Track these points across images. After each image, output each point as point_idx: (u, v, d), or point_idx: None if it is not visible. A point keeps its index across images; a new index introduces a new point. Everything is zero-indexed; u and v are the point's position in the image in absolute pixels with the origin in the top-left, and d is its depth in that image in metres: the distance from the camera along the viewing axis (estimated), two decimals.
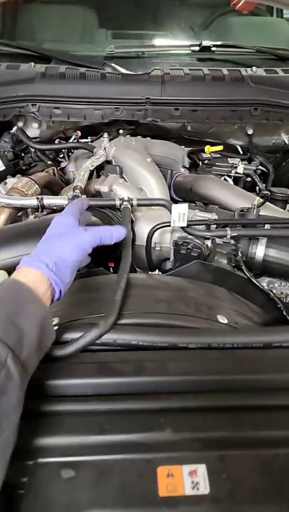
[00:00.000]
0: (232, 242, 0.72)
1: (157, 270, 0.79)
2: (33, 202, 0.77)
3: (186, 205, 0.67)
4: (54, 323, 0.57)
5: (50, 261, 0.52)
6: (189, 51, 1.30)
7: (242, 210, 0.81)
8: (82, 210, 0.64)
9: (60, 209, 0.74)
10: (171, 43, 1.48)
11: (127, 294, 0.59)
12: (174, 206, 0.67)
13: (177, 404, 0.46)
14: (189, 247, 0.75)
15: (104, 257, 0.86)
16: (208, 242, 0.75)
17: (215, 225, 0.74)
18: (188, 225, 0.70)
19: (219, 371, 0.50)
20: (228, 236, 0.70)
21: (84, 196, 0.77)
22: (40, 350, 0.45)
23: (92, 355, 0.51)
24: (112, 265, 0.87)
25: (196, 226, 0.73)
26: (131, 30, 1.59)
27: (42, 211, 0.77)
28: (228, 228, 0.70)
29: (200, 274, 0.69)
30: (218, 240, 0.73)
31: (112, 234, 0.59)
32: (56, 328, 0.53)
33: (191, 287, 0.66)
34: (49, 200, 0.77)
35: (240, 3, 1.66)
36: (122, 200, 0.76)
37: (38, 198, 0.76)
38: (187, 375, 0.49)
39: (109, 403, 0.46)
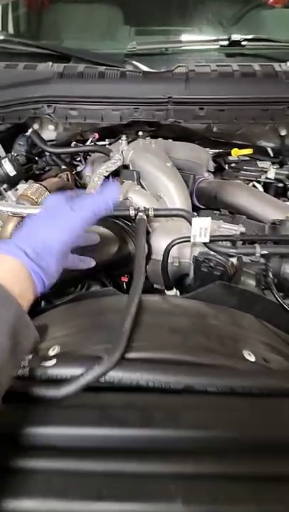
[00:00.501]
0: (262, 260, 0.62)
1: (174, 289, 0.70)
2: None
3: (208, 219, 0.59)
4: (54, 352, 0.50)
5: (29, 247, 0.45)
6: (217, 46, 1.20)
7: (274, 223, 0.71)
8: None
9: None
10: (198, 38, 1.39)
11: (138, 321, 0.51)
12: (195, 220, 0.59)
13: (191, 469, 0.38)
14: (212, 264, 0.66)
15: (116, 271, 0.78)
16: (234, 259, 0.66)
17: (238, 240, 0.65)
18: (210, 241, 0.61)
19: (245, 425, 0.41)
20: (258, 254, 0.61)
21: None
22: (16, 356, 0.39)
23: (92, 397, 0.44)
24: (126, 280, 0.79)
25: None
26: (155, 26, 1.51)
27: None
28: (257, 245, 0.61)
29: (223, 297, 0.60)
30: (245, 258, 0.64)
31: (106, 200, 0.51)
32: (53, 362, 0.46)
33: (213, 313, 0.57)
34: None
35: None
36: (137, 210, 0.68)
37: None
38: (205, 430, 0.40)
39: (110, 462, 0.38)
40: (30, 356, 0.48)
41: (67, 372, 0.45)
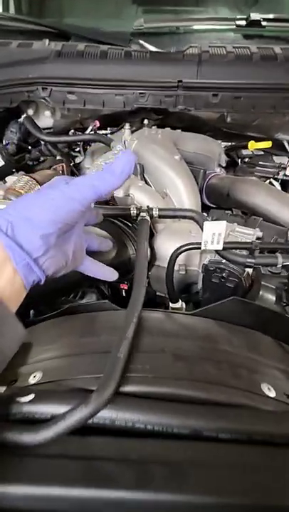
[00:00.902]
0: (284, 273, 0.54)
1: (180, 301, 0.62)
2: None
3: (223, 224, 0.49)
4: (35, 380, 0.42)
5: (5, 221, 0.38)
6: (234, 26, 1.09)
7: None
8: None
9: None
10: (212, 16, 1.28)
11: (136, 345, 0.43)
12: (208, 224, 0.50)
13: None
14: (224, 275, 0.57)
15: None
16: (250, 270, 0.57)
17: (257, 249, 0.56)
18: (224, 248, 0.52)
19: (265, 487, 0.33)
20: (279, 265, 0.51)
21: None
22: None
23: (76, 443, 0.35)
24: (126, 287, 0.71)
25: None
26: (165, 6, 1.39)
27: None
28: (279, 254, 0.52)
29: (237, 314, 0.51)
30: (263, 269, 0.55)
31: (113, 170, 0.42)
32: (31, 397, 0.37)
33: (225, 336, 0.48)
34: None
35: None
36: (140, 209, 0.59)
37: None
38: (217, 496, 0.32)
39: None
40: (4, 388, 0.40)
41: (47, 410, 0.37)
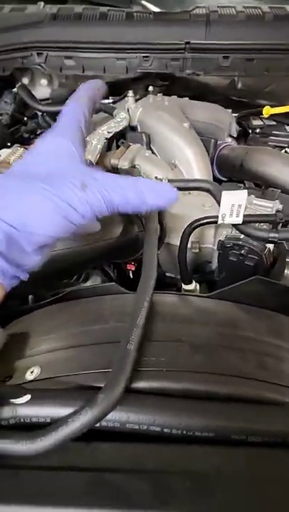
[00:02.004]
0: None
1: (194, 282, 0.56)
2: None
3: (244, 193, 0.43)
4: (32, 376, 0.37)
5: None
6: None
7: None
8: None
9: None
10: None
11: (148, 334, 0.37)
12: (226, 194, 0.43)
13: None
14: (243, 252, 0.51)
15: (121, 258, 0.64)
16: (271, 246, 0.51)
17: (282, 221, 0.50)
18: (244, 222, 0.46)
19: None
20: None
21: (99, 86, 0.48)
22: None
23: (80, 450, 0.30)
24: (133, 268, 0.65)
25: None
26: None
27: None
28: None
29: (260, 296, 0.46)
30: (287, 245, 0.49)
31: (145, 199, 0.34)
32: (27, 398, 0.32)
33: (248, 320, 0.43)
34: None
35: None
36: None
37: None
38: None
39: None
40: None
41: (46, 413, 0.31)
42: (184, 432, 0.31)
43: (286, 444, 0.31)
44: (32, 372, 0.37)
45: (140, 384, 0.34)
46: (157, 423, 0.31)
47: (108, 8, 0.89)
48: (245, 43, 0.81)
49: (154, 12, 0.88)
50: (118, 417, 0.31)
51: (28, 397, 0.32)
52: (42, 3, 0.92)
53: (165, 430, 0.31)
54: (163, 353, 0.36)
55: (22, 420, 0.31)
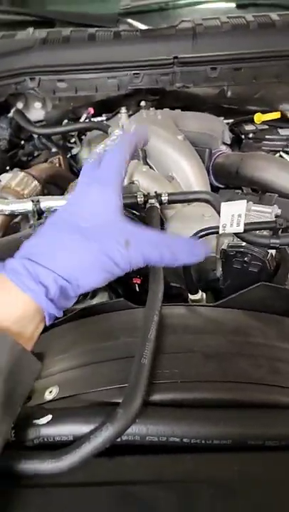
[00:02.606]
0: None
1: (200, 292, 0.57)
2: (26, 206, 0.56)
3: (243, 203, 0.44)
4: (51, 396, 0.38)
5: (53, 283, 0.32)
6: None
7: None
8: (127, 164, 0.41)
9: None
10: None
11: (161, 346, 0.38)
12: (226, 205, 0.44)
13: None
14: (246, 259, 0.52)
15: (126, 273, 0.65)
16: (273, 252, 0.52)
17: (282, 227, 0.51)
18: (245, 230, 0.47)
19: None
20: None
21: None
22: (12, 403, 0.30)
23: (104, 465, 0.31)
24: (139, 281, 0.66)
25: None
26: None
27: (39, 217, 0.57)
28: None
29: (267, 302, 0.47)
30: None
31: (186, 253, 0.37)
32: (48, 418, 0.33)
33: (257, 327, 0.44)
34: (47, 202, 0.56)
35: None
36: (147, 196, 0.54)
37: (32, 201, 0.56)
38: None
39: None
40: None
41: (68, 431, 0.32)
42: (202, 441, 0.32)
43: None
44: (51, 392, 0.37)
45: (156, 396, 0.34)
46: (176, 434, 0.32)
47: (96, 28, 0.91)
48: (231, 53, 0.83)
49: (140, 29, 0.90)
50: (138, 431, 0.32)
51: (49, 417, 0.32)
52: (31, 29, 0.95)
53: (184, 441, 0.32)
54: (176, 365, 0.37)
55: (46, 440, 0.32)
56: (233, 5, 1.05)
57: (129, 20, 0.96)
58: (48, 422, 0.32)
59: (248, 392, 0.36)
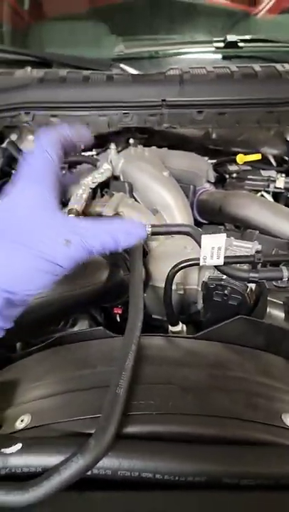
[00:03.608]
0: None
1: (180, 323, 0.57)
2: None
3: (223, 236, 0.46)
4: (22, 425, 0.36)
5: None
6: (212, 48, 1.11)
7: None
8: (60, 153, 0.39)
9: None
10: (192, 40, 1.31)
11: (137, 377, 0.38)
12: (206, 238, 0.46)
13: None
14: (226, 292, 0.53)
15: (107, 302, 0.65)
16: (253, 285, 0.54)
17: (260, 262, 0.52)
18: (225, 263, 0.48)
19: None
20: (285, 278, 0.48)
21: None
22: None
23: (72, 499, 0.30)
24: (120, 312, 0.66)
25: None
26: (144, 35, 1.43)
27: None
28: (283, 267, 0.48)
29: (245, 335, 0.47)
30: (268, 284, 0.51)
31: (125, 233, 0.36)
32: (18, 447, 0.32)
33: (236, 360, 0.44)
34: None
35: (262, 13, 1.48)
36: None
37: None
38: None
39: None
40: None
41: (37, 462, 0.31)
42: (176, 478, 0.31)
43: (279, 485, 0.31)
44: (22, 420, 0.36)
45: (131, 429, 0.34)
46: (149, 469, 0.31)
47: (90, 71, 0.97)
48: (216, 99, 0.88)
49: (132, 74, 0.96)
50: (109, 464, 0.31)
51: (18, 446, 0.31)
52: (29, 68, 1.00)
53: (157, 476, 0.31)
54: (152, 396, 0.36)
55: (14, 470, 0.30)
56: (219, 56, 1.13)
57: (122, 65, 1.02)
58: (16, 452, 0.31)
59: (225, 428, 0.35)
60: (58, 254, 0.33)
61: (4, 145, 0.91)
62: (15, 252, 0.33)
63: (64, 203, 0.89)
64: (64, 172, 0.72)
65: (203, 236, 0.47)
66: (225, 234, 0.46)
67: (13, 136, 0.94)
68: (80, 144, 0.43)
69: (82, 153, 0.92)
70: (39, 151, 0.38)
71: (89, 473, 0.30)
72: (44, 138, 0.39)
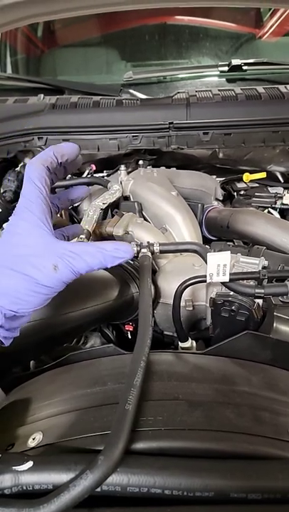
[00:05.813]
0: None
1: (190, 339, 0.58)
2: None
3: (227, 254, 0.47)
4: (34, 443, 0.37)
5: None
6: (217, 72, 1.15)
7: None
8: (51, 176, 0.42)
9: None
10: (197, 65, 1.35)
11: (146, 394, 0.39)
12: (212, 255, 0.47)
13: None
14: (233, 308, 0.54)
15: (119, 320, 0.66)
16: (260, 301, 0.54)
17: (265, 278, 0.53)
18: (231, 280, 0.50)
19: None
20: None
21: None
22: None
23: None
24: (131, 328, 0.67)
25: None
26: (152, 60, 1.49)
27: None
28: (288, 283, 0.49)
29: (253, 350, 0.48)
30: (274, 299, 0.52)
31: (111, 256, 0.39)
32: (29, 465, 0.33)
33: (243, 375, 0.44)
34: None
35: (266, 35, 1.54)
36: (140, 245, 0.57)
37: None
38: None
39: None
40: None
41: (48, 479, 0.32)
42: (184, 493, 0.31)
43: (287, 500, 0.31)
44: (34, 438, 0.37)
45: (139, 445, 0.34)
46: (158, 485, 0.31)
47: (100, 97, 1.01)
48: (222, 120, 0.91)
49: (140, 98, 1.00)
50: (119, 480, 0.31)
51: (30, 463, 0.32)
52: (42, 95, 1.05)
53: (166, 492, 0.31)
54: (161, 412, 0.37)
55: (25, 488, 0.31)
56: (223, 79, 1.17)
57: (131, 90, 1.07)
58: (28, 469, 0.32)
59: (233, 443, 0.35)
60: (47, 278, 0.37)
61: (18, 168, 0.96)
62: (10, 278, 0.37)
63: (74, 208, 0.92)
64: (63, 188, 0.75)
65: (208, 254, 0.49)
66: (229, 251, 0.47)
67: (27, 160, 0.98)
68: (69, 160, 0.46)
69: (94, 175, 0.95)
70: (27, 183, 0.40)
71: (98, 489, 0.30)
72: (29, 170, 0.41)
